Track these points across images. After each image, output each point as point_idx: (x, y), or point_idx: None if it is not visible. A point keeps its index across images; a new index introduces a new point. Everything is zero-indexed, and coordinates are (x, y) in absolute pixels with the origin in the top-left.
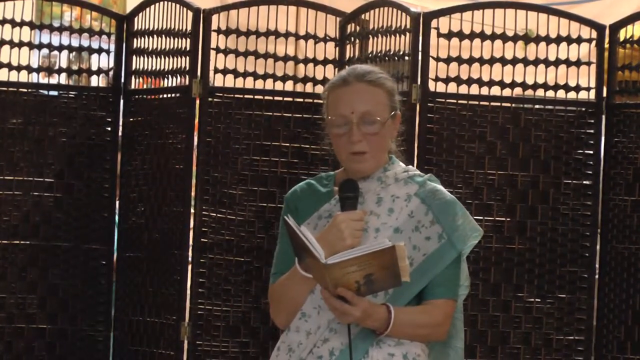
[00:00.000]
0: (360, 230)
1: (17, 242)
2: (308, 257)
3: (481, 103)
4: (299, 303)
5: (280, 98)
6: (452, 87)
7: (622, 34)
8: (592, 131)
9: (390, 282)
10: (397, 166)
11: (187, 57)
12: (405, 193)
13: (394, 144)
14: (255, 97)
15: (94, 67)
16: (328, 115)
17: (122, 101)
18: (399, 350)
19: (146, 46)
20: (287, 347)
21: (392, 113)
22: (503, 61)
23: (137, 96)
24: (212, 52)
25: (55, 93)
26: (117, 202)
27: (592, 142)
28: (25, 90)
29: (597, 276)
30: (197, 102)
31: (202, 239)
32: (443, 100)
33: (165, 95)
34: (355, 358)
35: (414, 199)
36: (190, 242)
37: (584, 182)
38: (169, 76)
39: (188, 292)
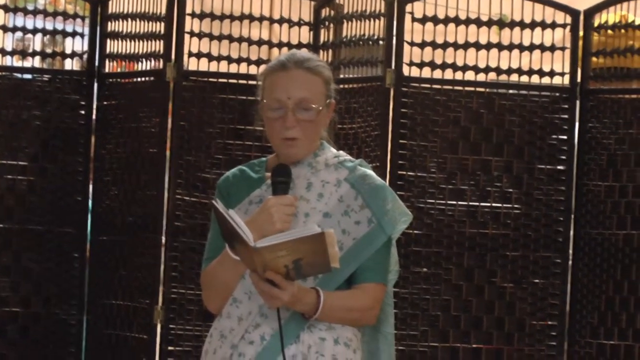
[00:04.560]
0: (290, 215)
1: None
2: (236, 241)
3: (455, 88)
4: (230, 288)
5: (255, 82)
6: (426, 72)
7: (597, 20)
8: (566, 116)
9: (320, 268)
10: (327, 152)
11: (162, 41)
12: (335, 178)
13: (325, 131)
14: (230, 81)
15: (68, 51)
16: (263, 99)
17: (96, 85)
18: (330, 334)
19: (120, 30)
20: (219, 333)
21: (327, 101)
22: (477, 46)
23: (111, 80)
24: (187, 36)
25: (29, 76)
26: (91, 186)
27: (566, 127)
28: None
29: (570, 262)
30: (171, 85)
31: (175, 223)
32: (417, 84)
33: (139, 79)
34: (286, 343)
35: (343, 184)
36: (164, 226)
37: (558, 167)
38: (143, 60)
39: (161, 275)
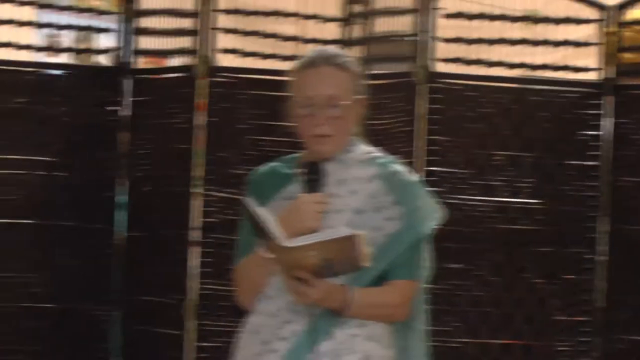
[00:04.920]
0: (321, 213)
1: (21, 221)
2: (267, 239)
3: (485, 84)
4: (261, 285)
5: (285, 78)
6: (456, 68)
7: (627, 16)
8: (596, 112)
9: (350, 267)
10: (359, 148)
11: (192, 37)
12: (366, 174)
13: (357, 126)
14: (260, 77)
15: (98, 47)
16: (293, 96)
17: (126, 81)
18: (362, 331)
19: (150, 26)
20: (251, 329)
21: (357, 97)
22: (507, 42)
23: (141, 76)
24: (217, 32)
25: (59, 72)
26: (122, 182)
27: (596, 123)
28: (29, 69)
29: (605, 257)
30: (201, 81)
31: (207, 219)
32: (447, 80)
33: (169, 75)
34: (318, 339)
35: (375, 180)
36: (196, 222)
37: (588, 163)
38: (173, 56)
39: (194, 271)
